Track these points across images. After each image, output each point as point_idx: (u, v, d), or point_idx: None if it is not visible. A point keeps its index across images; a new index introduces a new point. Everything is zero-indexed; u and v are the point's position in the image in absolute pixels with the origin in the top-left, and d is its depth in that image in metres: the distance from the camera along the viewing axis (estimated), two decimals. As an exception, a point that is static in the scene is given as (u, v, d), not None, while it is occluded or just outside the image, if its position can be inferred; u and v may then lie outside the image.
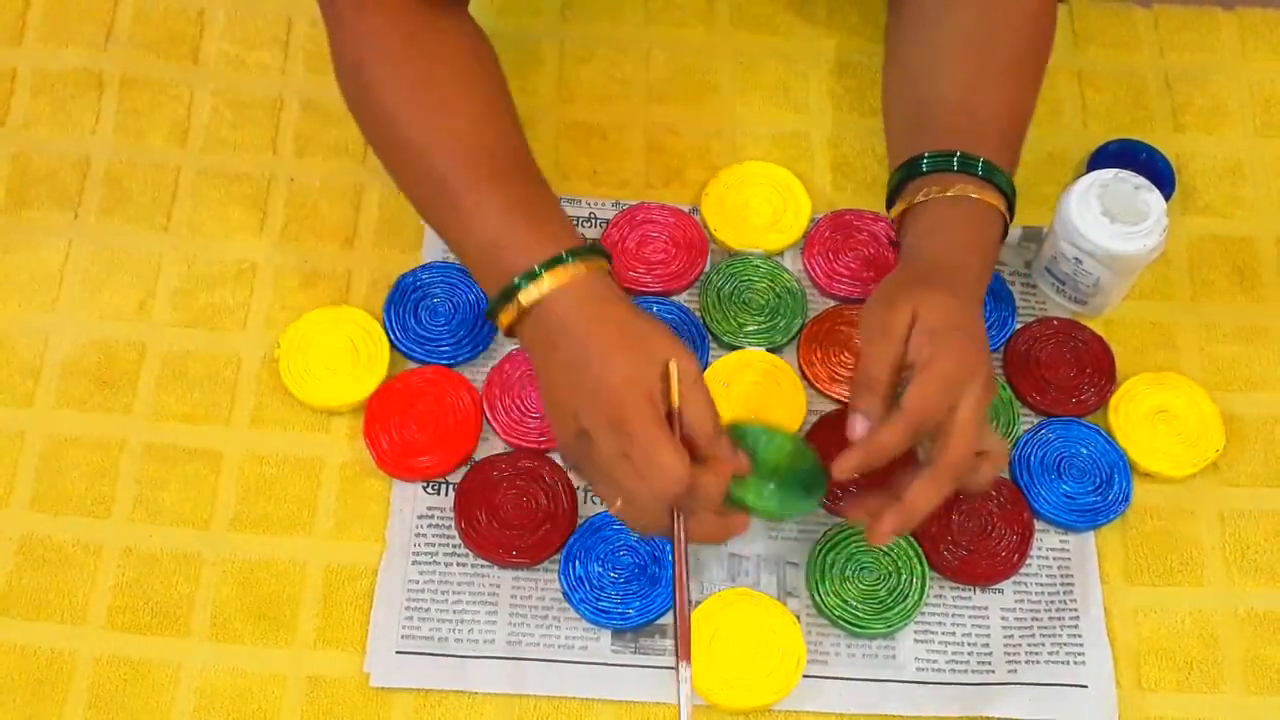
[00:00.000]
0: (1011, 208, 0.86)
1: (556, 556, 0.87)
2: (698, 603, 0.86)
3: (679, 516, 0.76)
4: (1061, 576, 0.89)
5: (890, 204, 0.89)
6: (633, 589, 0.86)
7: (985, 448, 0.80)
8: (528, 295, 0.78)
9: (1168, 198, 0.99)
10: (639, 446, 0.74)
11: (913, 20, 0.93)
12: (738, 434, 0.81)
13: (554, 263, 0.78)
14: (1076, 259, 0.92)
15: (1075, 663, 0.86)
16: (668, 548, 0.86)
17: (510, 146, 0.84)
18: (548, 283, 0.78)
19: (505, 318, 0.79)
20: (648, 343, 0.77)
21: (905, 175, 0.87)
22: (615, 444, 0.75)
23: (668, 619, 0.86)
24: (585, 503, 0.89)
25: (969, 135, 0.86)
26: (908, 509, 0.78)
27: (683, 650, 0.76)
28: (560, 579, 0.86)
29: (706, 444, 0.77)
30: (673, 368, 0.76)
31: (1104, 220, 0.89)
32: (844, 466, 0.79)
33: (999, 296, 0.96)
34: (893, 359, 0.79)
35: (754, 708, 0.84)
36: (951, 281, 0.82)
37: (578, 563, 0.86)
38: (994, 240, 0.85)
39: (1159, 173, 0.99)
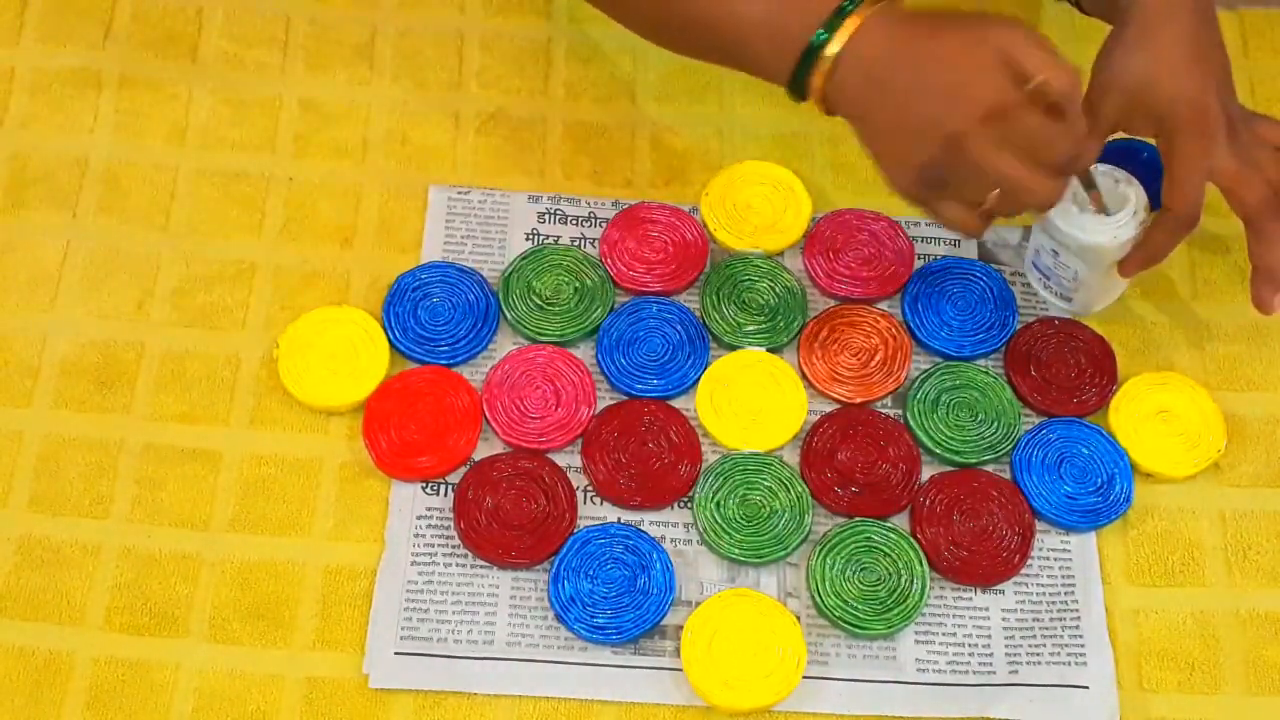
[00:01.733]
0: None
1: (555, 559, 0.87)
2: (697, 603, 0.86)
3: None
4: (1063, 577, 0.89)
5: None
6: (625, 602, 0.85)
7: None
8: (836, 43, 0.78)
9: (1169, 197, 0.99)
10: (1023, 123, 0.76)
11: None
12: None
13: (843, 11, 0.78)
14: (1054, 251, 0.92)
15: (1076, 663, 0.86)
16: (656, 556, 0.86)
17: None
18: (851, 25, 0.78)
19: (817, 78, 0.79)
20: (978, 29, 0.77)
21: None
22: (991, 135, 0.76)
23: (667, 620, 0.86)
24: (585, 503, 0.89)
25: None
26: (1149, 250, 0.87)
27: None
28: (550, 602, 0.86)
29: (1066, 97, 0.77)
30: (1018, 42, 0.76)
31: (1073, 210, 0.89)
32: (1128, 268, 0.88)
33: (999, 297, 0.96)
34: (1098, 149, 0.86)
35: (754, 709, 0.83)
36: (1178, 15, 0.84)
37: (566, 583, 0.86)
38: None
39: (1159, 172, 0.99)
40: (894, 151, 0.81)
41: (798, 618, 0.85)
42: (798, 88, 0.81)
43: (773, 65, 0.82)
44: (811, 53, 0.79)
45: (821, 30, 0.79)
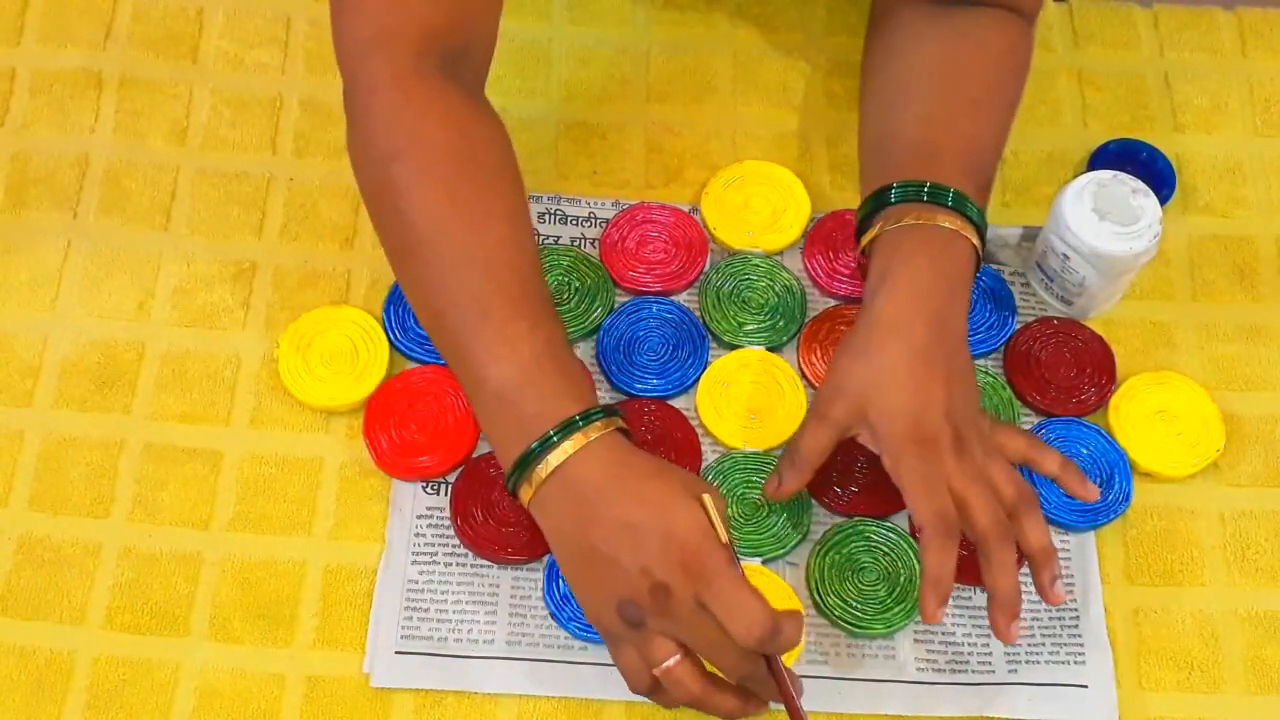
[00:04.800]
0: (982, 238, 0.85)
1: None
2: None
3: (773, 659, 0.75)
4: (1062, 576, 0.88)
5: (859, 236, 0.87)
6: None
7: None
8: (553, 459, 0.75)
9: (1168, 198, 0.99)
10: (718, 590, 0.72)
11: (883, 52, 0.93)
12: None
13: (573, 426, 0.75)
14: (1064, 255, 0.92)
15: (1075, 663, 0.86)
16: None
17: (540, 273, 0.80)
18: (571, 446, 0.75)
19: (527, 489, 0.77)
20: (690, 487, 0.75)
21: (874, 206, 0.86)
22: (693, 592, 0.73)
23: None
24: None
25: (931, 168, 0.85)
26: (992, 594, 0.80)
27: None
28: (545, 599, 0.86)
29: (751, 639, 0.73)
30: (708, 501, 0.75)
31: (1093, 218, 0.89)
32: (930, 611, 0.78)
33: (999, 297, 0.96)
34: (825, 446, 0.82)
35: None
36: (904, 318, 0.81)
37: (560, 581, 0.86)
38: (963, 267, 0.84)
39: (1159, 172, 0.99)
40: (596, 578, 0.76)
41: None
42: (512, 486, 0.78)
43: (495, 433, 0.78)
44: (527, 461, 0.76)
45: (537, 444, 0.75)
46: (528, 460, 0.76)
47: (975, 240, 0.84)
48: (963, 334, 0.83)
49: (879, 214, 0.85)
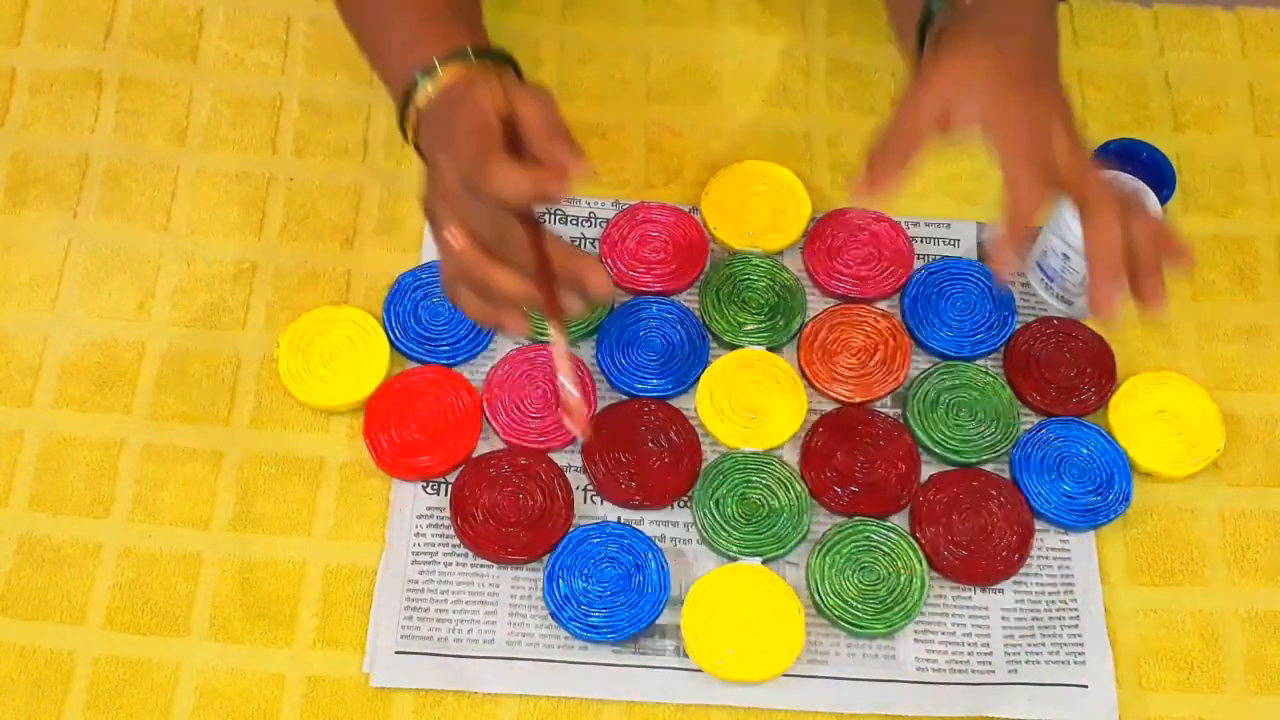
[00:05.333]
0: None
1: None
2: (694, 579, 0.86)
3: (530, 227, 0.76)
4: (1062, 576, 0.89)
5: (923, 28, 0.83)
6: (620, 600, 0.85)
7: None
8: (431, 87, 0.79)
9: (1168, 197, 0.99)
10: (476, 164, 0.74)
11: None
12: None
13: (456, 57, 0.79)
14: (1064, 255, 0.92)
15: (1075, 663, 0.86)
16: (651, 555, 0.87)
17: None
18: (449, 78, 0.79)
19: (409, 127, 0.80)
20: (492, 85, 0.77)
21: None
22: (459, 171, 0.75)
23: (665, 619, 0.86)
24: (585, 502, 0.89)
25: None
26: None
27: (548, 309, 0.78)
28: (545, 599, 0.86)
29: (540, 136, 0.75)
30: (499, 83, 0.77)
31: None
32: (999, 246, 0.76)
33: (999, 297, 0.96)
34: (927, 115, 0.77)
35: (742, 681, 0.84)
36: (1016, 26, 0.80)
37: (561, 581, 0.86)
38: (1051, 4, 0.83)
39: (1159, 172, 0.99)
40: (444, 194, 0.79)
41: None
42: (401, 123, 0.82)
43: (392, 87, 0.83)
44: (409, 95, 0.80)
45: (420, 74, 0.80)
46: (410, 90, 0.79)
47: None
48: (1057, 53, 0.83)
49: None
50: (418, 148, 0.82)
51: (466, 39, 0.81)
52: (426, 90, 0.79)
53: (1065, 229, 0.90)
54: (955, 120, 0.78)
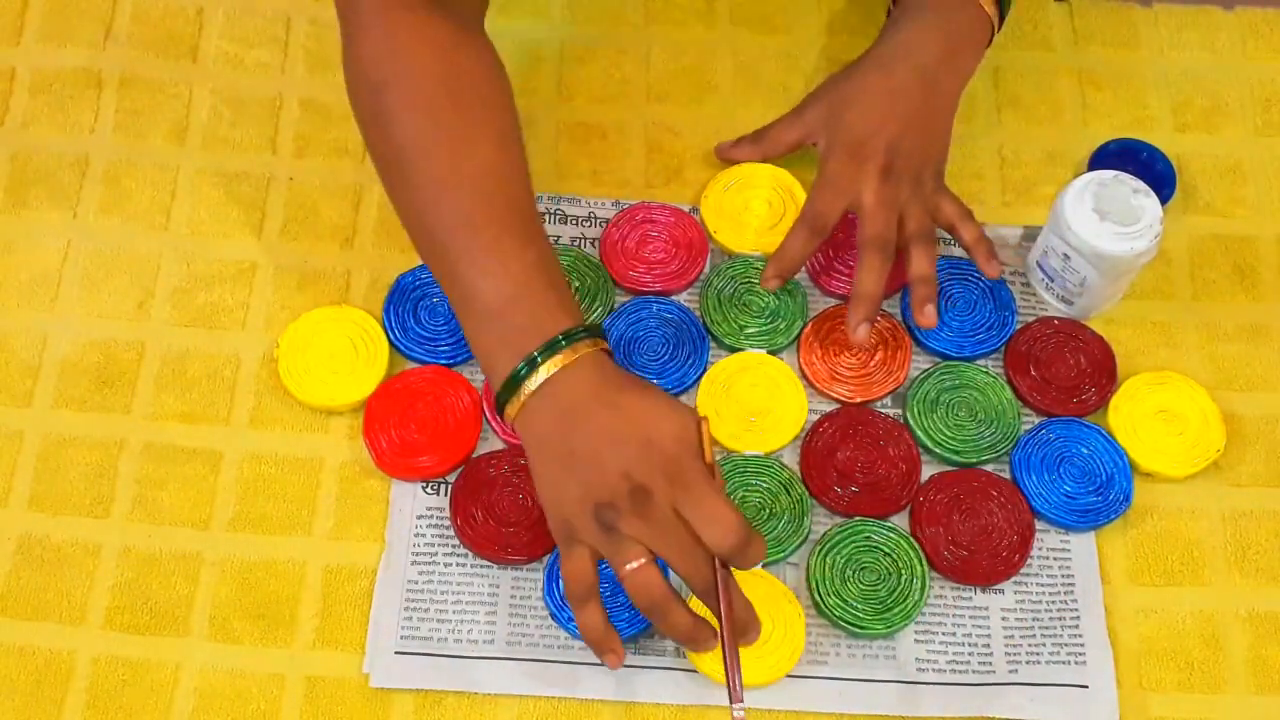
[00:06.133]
0: (1003, 14, 0.92)
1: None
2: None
3: (722, 574, 0.77)
4: (1062, 576, 0.89)
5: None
6: (620, 600, 0.85)
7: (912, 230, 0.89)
8: (542, 374, 0.78)
9: (1168, 197, 0.99)
10: (698, 497, 0.75)
11: None
12: None
13: (560, 345, 0.78)
14: (1065, 255, 0.92)
15: (1076, 663, 0.86)
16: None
17: (529, 196, 0.82)
18: (560, 361, 0.78)
19: (515, 404, 0.79)
20: (676, 405, 0.79)
21: None
22: (671, 498, 0.75)
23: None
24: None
25: None
26: (858, 294, 0.88)
27: (735, 695, 0.77)
28: (545, 600, 0.86)
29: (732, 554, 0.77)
30: (705, 427, 0.78)
31: (1094, 218, 0.89)
32: (766, 274, 0.90)
33: (999, 297, 0.96)
34: (790, 141, 0.93)
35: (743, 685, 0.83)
36: (893, 60, 0.88)
37: (560, 581, 0.86)
38: (969, 36, 0.90)
39: (1159, 172, 0.99)
40: (578, 480, 0.77)
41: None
42: (500, 404, 0.80)
43: (484, 345, 0.80)
44: (516, 380, 0.78)
45: (523, 365, 0.78)
46: (517, 378, 0.78)
47: (991, 10, 0.90)
48: (951, 94, 0.91)
49: None
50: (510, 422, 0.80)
51: (566, 305, 0.79)
52: (537, 375, 0.78)
53: (1066, 229, 0.90)
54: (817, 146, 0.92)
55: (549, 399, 0.78)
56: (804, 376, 0.93)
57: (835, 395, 0.93)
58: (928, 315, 0.89)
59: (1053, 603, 0.88)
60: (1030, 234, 0.99)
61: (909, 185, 0.90)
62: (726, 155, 0.99)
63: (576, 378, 0.78)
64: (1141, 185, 0.91)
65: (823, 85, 0.95)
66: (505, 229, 0.80)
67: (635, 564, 0.76)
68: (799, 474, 0.90)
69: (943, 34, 0.91)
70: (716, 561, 0.77)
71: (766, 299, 0.95)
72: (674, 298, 0.96)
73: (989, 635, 0.87)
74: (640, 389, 0.79)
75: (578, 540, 0.78)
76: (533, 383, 0.78)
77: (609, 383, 0.78)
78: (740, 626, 0.78)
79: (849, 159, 0.89)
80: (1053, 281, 0.95)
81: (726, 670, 0.77)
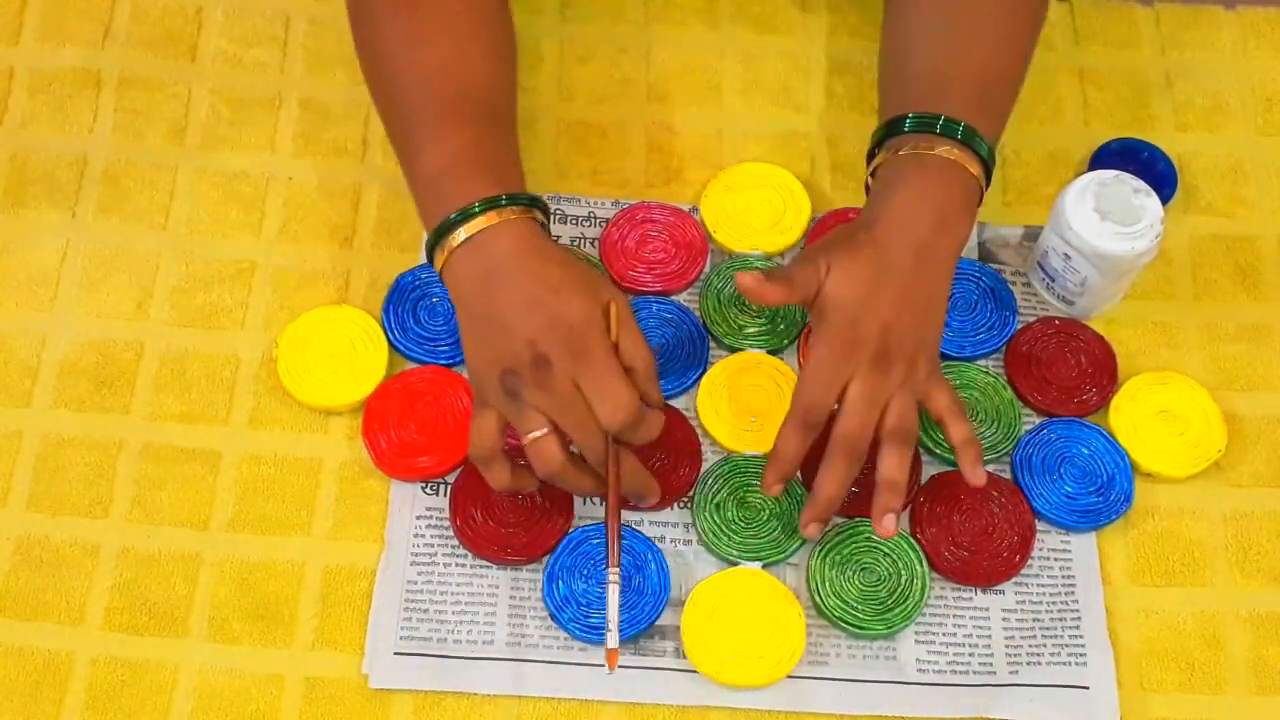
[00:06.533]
0: (989, 171, 0.87)
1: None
2: (700, 578, 0.86)
3: (613, 448, 0.81)
4: (1063, 577, 0.88)
5: (869, 163, 0.89)
6: (620, 601, 0.85)
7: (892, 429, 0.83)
8: (467, 229, 0.81)
9: (1169, 197, 0.99)
10: (596, 374, 0.79)
11: None
12: None
13: (492, 204, 0.81)
14: (1065, 255, 0.92)
15: (1077, 664, 0.86)
16: (651, 556, 0.87)
17: (486, 90, 0.88)
18: (483, 221, 0.81)
19: (440, 255, 0.82)
20: (593, 284, 0.82)
21: (884, 134, 0.87)
22: (571, 371, 0.79)
23: (665, 620, 0.86)
24: (584, 503, 0.89)
25: (940, 100, 0.86)
26: (815, 497, 0.83)
27: (611, 558, 0.81)
28: (545, 600, 0.85)
29: (643, 380, 0.82)
30: (613, 308, 0.81)
31: (1095, 217, 0.89)
32: (766, 482, 0.85)
33: (999, 297, 0.96)
34: (782, 297, 0.83)
35: (741, 686, 0.84)
36: (888, 236, 0.83)
37: (560, 582, 0.86)
38: (959, 200, 0.85)
39: (1161, 172, 0.99)
40: (487, 340, 0.81)
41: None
42: (429, 251, 0.84)
43: (425, 221, 0.85)
44: (447, 228, 0.82)
45: (458, 213, 0.82)
46: (445, 228, 0.82)
47: (976, 170, 0.85)
48: (946, 265, 0.85)
49: (886, 143, 0.87)
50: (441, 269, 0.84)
51: (504, 180, 0.84)
52: (470, 227, 0.82)
53: (1067, 229, 0.90)
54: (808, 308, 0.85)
55: (473, 256, 0.81)
56: (804, 377, 0.93)
57: (835, 395, 0.93)
58: (886, 525, 0.81)
59: (1053, 603, 0.88)
60: (1031, 234, 0.99)
61: (901, 372, 0.82)
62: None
63: (502, 238, 0.81)
64: (1142, 185, 0.90)
65: (818, 245, 0.85)
66: (449, 112, 0.85)
67: (536, 434, 0.80)
68: (799, 475, 0.90)
69: (932, 203, 0.84)
70: (609, 436, 0.81)
71: (767, 299, 0.95)
72: (674, 298, 0.96)
73: (989, 636, 0.87)
74: (561, 262, 0.81)
75: (487, 403, 0.82)
76: (458, 236, 0.81)
77: (533, 250, 0.81)
78: (637, 493, 0.85)
79: (841, 342, 0.82)
80: (1054, 281, 0.95)
81: (607, 536, 0.82)
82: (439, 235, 0.82)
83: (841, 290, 0.82)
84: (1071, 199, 0.90)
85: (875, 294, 0.82)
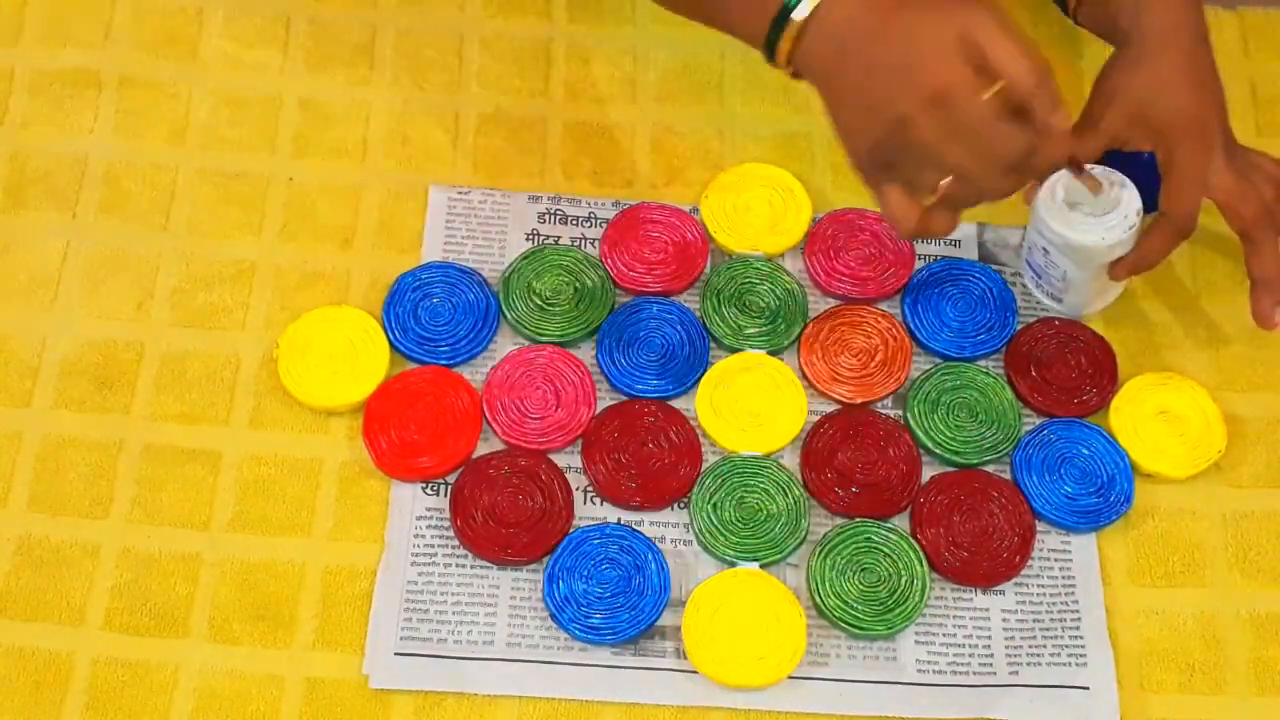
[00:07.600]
0: None
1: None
2: (700, 579, 0.86)
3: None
4: (1063, 578, 0.88)
5: None
6: (620, 601, 0.85)
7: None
8: (800, 11, 0.77)
9: (1170, 197, 0.99)
10: (968, 120, 0.74)
11: None
12: None
13: None
14: (1044, 249, 0.92)
15: (1077, 664, 0.86)
16: (651, 556, 0.86)
17: None
18: None
19: (785, 42, 0.78)
20: (944, 8, 0.75)
21: None
22: (939, 122, 0.74)
23: (665, 621, 0.86)
24: (584, 503, 0.89)
25: None
26: (1267, 278, 0.89)
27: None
28: (545, 601, 0.86)
29: (1028, 95, 0.74)
30: (978, 26, 0.74)
31: (1064, 209, 0.89)
32: (1118, 271, 0.90)
33: (1000, 297, 0.96)
34: (1096, 152, 0.90)
35: (741, 686, 0.84)
36: (1177, 40, 0.89)
37: (561, 582, 0.86)
38: None
39: (1159, 175, 0.99)
40: (849, 125, 0.79)
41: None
42: (769, 50, 0.80)
43: (747, 26, 0.81)
44: (783, 16, 0.78)
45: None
46: (782, 17, 0.78)
47: None
48: (1212, 52, 0.92)
49: None
50: (790, 64, 0.80)
51: None
52: (803, 8, 0.77)
53: (1041, 222, 0.90)
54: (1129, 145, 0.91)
55: (821, 34, 0.77)
56: (804, 377, 0.93)
57: (835, 396, 0.93)
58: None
59: (1053, 604, 0.88)
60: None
61: (1239, 155, 0.91)
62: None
63: (845, 5, 0.77)
64: (1120, 177, 0.90)
65: (1106, 87, 0.92)
66: None
67: (944, 182, 0.76)
68: (799, 475, 0.90)
69: (1192, 3, 0.91)
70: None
71: (766, 299, 0.95)
72: (674, 298, 0.96)
73: (990, 636, 0.87)
74: (910, 4, 0.76)
75: (881, 182, 0.79)
76: (800, 13, 0.77)
77: (879, 2, 0.76)
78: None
79: (1195, 145, 0.88)
80: (1040, 278, 0.95)
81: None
82: (778, 25, 0.78)
83: (1171, 99, 0.88)
84: (1044, 192, 0.91)
85: (1200, 89, 0.89)
